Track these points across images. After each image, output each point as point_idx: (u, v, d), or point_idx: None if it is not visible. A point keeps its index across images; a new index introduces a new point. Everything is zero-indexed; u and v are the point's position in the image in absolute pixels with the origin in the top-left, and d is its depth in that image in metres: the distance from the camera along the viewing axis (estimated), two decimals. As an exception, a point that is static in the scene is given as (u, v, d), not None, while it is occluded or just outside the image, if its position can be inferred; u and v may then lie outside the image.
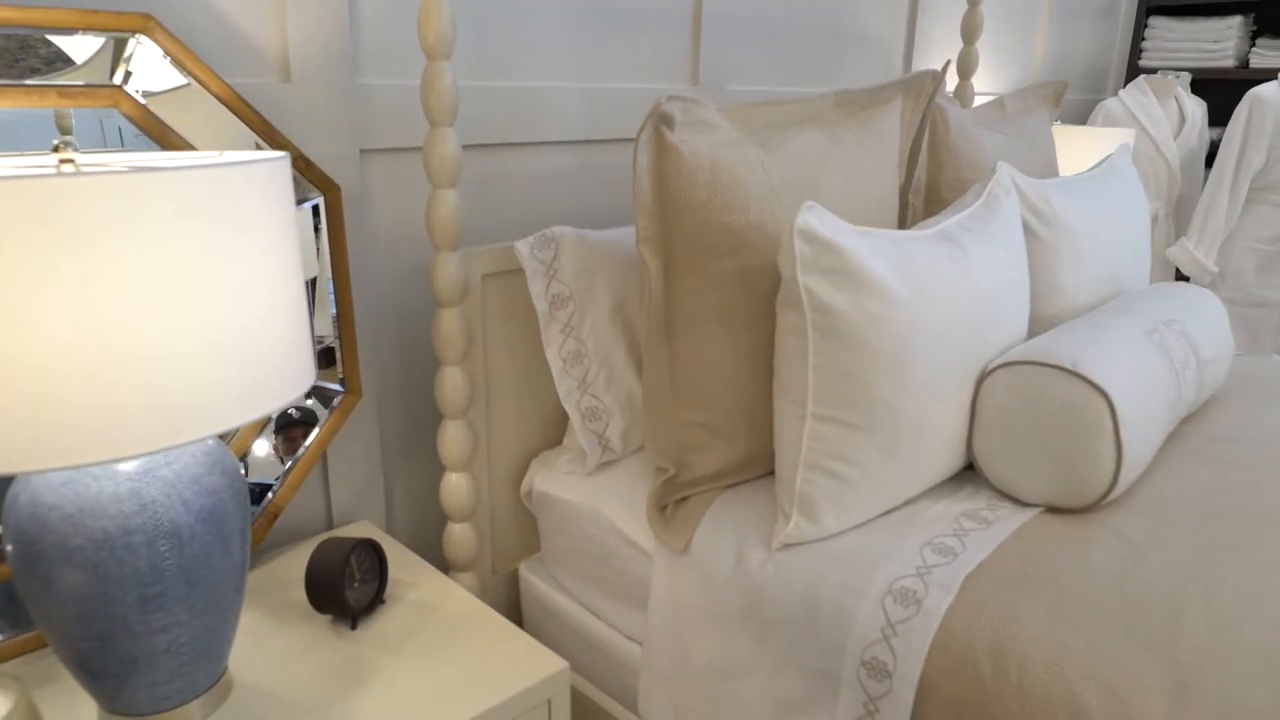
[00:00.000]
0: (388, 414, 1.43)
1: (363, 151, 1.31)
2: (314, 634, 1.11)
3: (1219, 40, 3.06)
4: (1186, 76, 2.86)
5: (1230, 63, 3.06)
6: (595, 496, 1.31)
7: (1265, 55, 3.00)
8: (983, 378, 1.17)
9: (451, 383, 1.30)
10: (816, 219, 1.02)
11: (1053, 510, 1.14)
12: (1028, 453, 1.13)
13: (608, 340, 1.35)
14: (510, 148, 1.48)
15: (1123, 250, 1.59)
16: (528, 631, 1.48)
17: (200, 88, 1.10)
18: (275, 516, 1.26)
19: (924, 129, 1.54)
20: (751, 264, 1.14)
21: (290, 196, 0.88)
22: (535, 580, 1.44)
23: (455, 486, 1.35)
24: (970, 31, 2.10)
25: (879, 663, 0.98)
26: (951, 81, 2.29)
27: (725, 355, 1.18)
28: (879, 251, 1.06)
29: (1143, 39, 3.22)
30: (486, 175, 1.47)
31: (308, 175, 1.21)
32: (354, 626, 1.13)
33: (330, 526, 1.38)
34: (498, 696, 1.01)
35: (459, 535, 1.37)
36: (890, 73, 2.23)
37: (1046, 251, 1.46)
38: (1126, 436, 1.09)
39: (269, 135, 1.16)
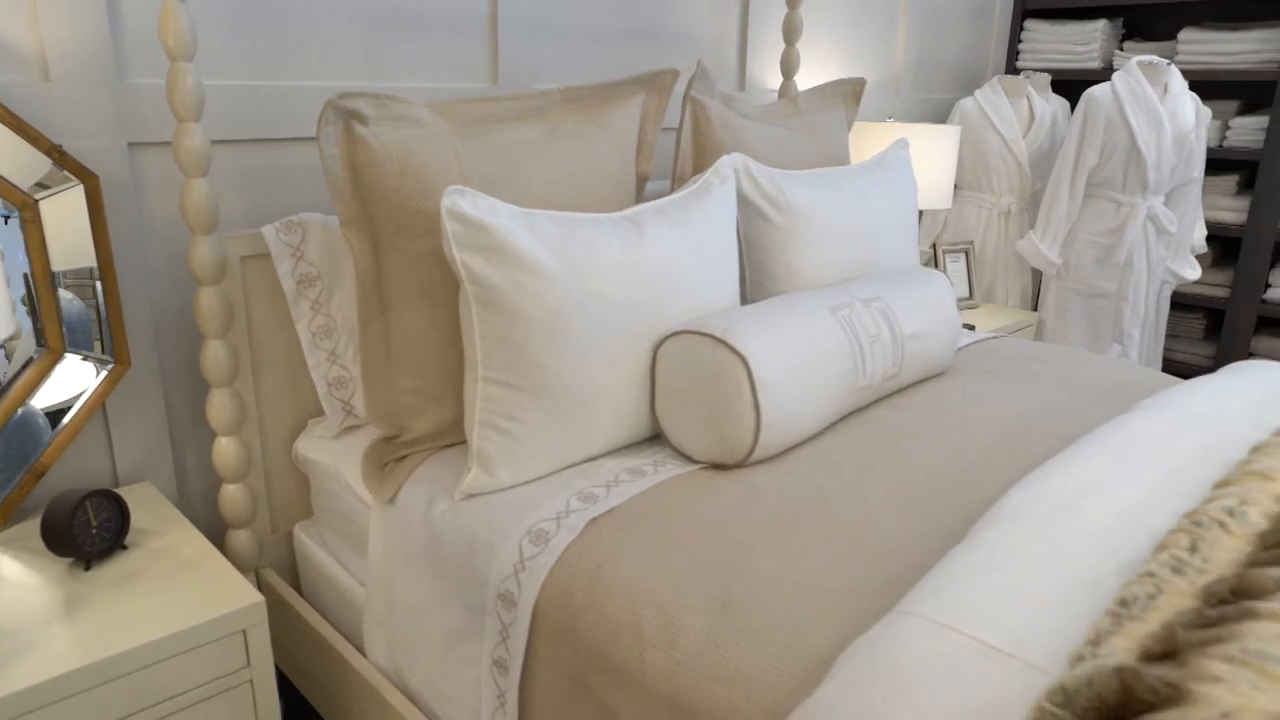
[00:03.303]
0: (174, 385, 1.56)
1: (132, 145, 1.44)
2: (50, 574, 1.24)
3: (1086, 43, 3.17)
4: (1044, 77, 2.97)
5: (1096, 64, 3.17)
6: (337, 458, 1.44)
7: (1128, 58, 3.11)
8: (657, 347, 1.29)
9: (214, 355, 1.43)
10: (466, 201, 1.14)
11: (715, 466, 1.27)
12: (689, 414, 1.26)
13: (356, 316, 1.47)
14: (292, 142, 1.61)
15: (875, 236, 1.71)
16: (302, 587, 1.61)
17: (-52, 85, 1.23)
18: (41, 474, 1.39)
19: (682, 122, 1.67)
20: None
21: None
22: (305, 539, 1.57)
23: (224, 450, 1.48)
24: (790, 33, 2.22)
25: (509, 594, 1.10)
26: (775, 79, 2.41)
27: (430, 327, 1.31)
28: (535, 230, 1.19)
29: (1020, 41, 3.34)
30: (268, 166, 1.59)
31: (63, 164, 1.34)
32: (87, 568, 1.26)
33: (115, 487, 1.51)
34: (188, 623, 1.14)
35: (231, 495, 1.50)
36: (724, 73, 2.35)
37: (781, 236, 1.58)
38: (765, 398, 1.21)
39: (18, 128, 1.29)
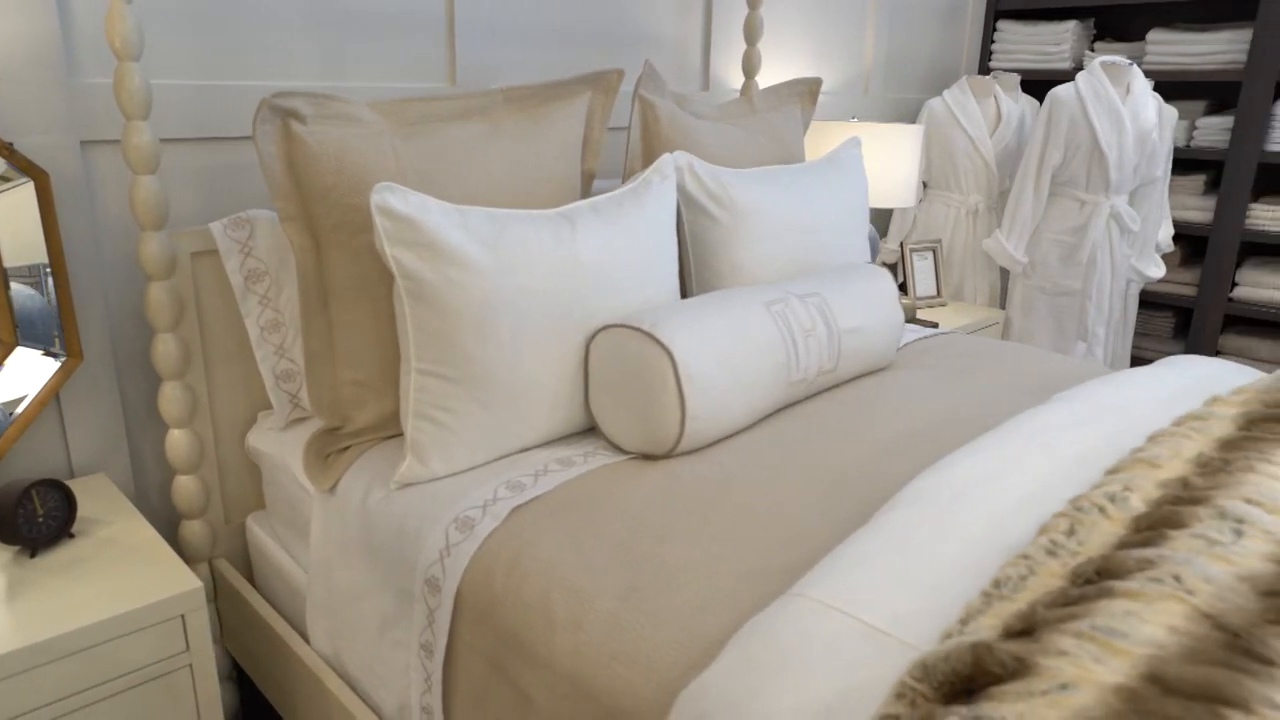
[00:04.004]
0: (130, 378, 1.59)
1: (84, 143, 1.47)
2: (-5, 562, 1.28)
3: (1057, 44, 3.20)
4: (1013, 77, 2.99)
5: (1067, 65, 3.20)
6: (284, 449, 1.48)
7: (1098, 58, 3.13)
8: (590, 341, 1.32)
9: (164, 348, 1.46)
10: (396, 198, 1.17)
11: (645, 457, 1.30)
12: (619, 406, 1.29)
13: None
14: (248, 141, 1.64)
15: (823, 233, 1.74)
16: (255, 577, 1.64)
17: (-102, 84, 1.27)
18: (-9, 465, 1.42)
19: (631, 121, 1.70)
20: (382, 239, 1.30)
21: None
22: (257, 529, 1.60)
23: (176, 441, 1.51)
24: (751, 34, 2.26)
25: (435, 580, 1.13)
26: (740, 79, 2.44)
27: (371, 321, 1.34)
28: (467, 226, 1.22)
29: (992, 41, 3.36)
30: (224, 165, 1.62)
31: (13, 162, 1.37)
32: (33, 555, 1.29)
33: (70, 478, 1.55)
34: (125, 608, 1.17)
35: (183, 486, 1.53)
36: (688, 73, 2.38)
37: (725, 233, 1.61)
38: (690, 391, 1.24)
39: (-33, 125, 1.32)
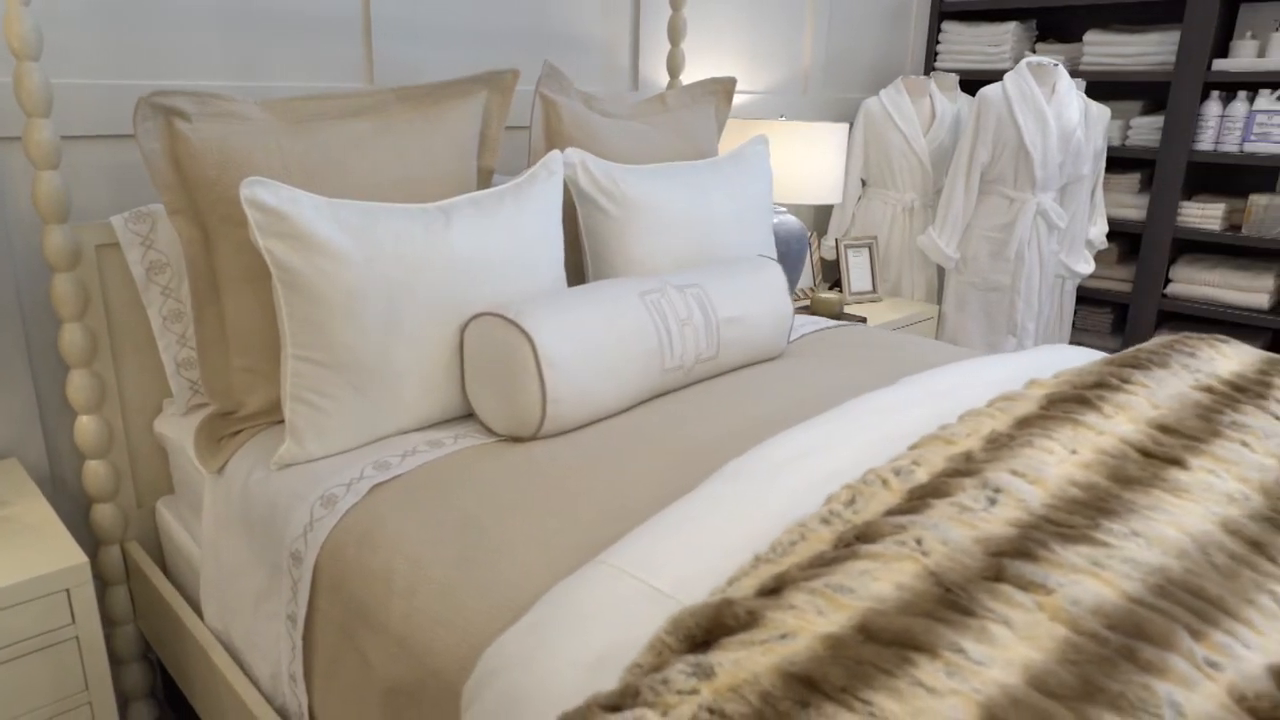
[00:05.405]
0: (44, 366, 1.65)
1: (-8, 139, 1.54)
2: (-105, 538, 1.34)
3: (997, 44, 3.25)
4: (951, 77, 3.05)
5: (1008, 65, 3.25)
6: (184, 434, 1.54)
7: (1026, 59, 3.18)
8: (464, 329, 1.38)
9: (70, 337, 1.52)
10: (266, 192, 1.23)
11: (514, 440, 1.35)
12: (489, 390, 1.35)
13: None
14: (160, 137, 1.70)
15: (721, 227, 1.79)
16: (165, 559, 1.70)
17: None
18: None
19: (531, 118, 1.75)
20: (264, 231, 1.36)
21: None
22: (166, 512, 1.66)
23: (85, 427, 1.57)
24: (674, 34, 2.31)
25: (298, 553, 1.19)
26: (664, 78, 2.49)
27: (259, 309, 1.40)
28: (339, 219, 1.28)
29: (938, 42, 3.42)
30: (135, 161, 1.68)
31: (-87, 157, 1.43)
32: (-69, 533, 1.35)
33: (-17, 462, 1.61)
34: (6, 582, 1.23)
35: (93, 470, 1.59)
36: (617, 73, 2.44)
37: (618, 227, 1.67)
38: (550, 375, 1.30)
39: None
